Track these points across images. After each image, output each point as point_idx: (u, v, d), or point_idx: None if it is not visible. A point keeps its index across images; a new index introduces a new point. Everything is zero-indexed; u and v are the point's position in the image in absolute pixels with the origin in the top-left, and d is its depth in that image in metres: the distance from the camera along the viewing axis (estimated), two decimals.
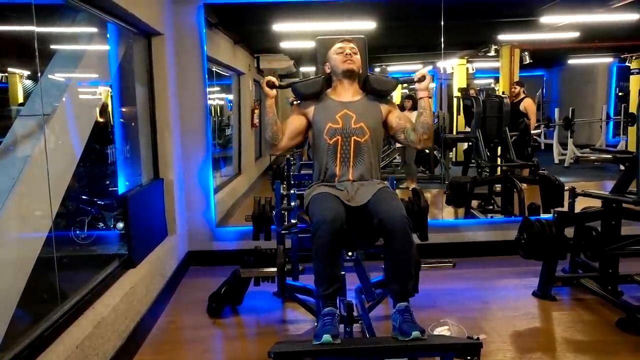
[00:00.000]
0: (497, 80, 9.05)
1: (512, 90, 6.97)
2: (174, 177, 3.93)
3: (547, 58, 9.93)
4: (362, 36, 2.82)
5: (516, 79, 8.04)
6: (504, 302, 3.44)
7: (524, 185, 5.04)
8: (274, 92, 2.48)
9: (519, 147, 5.43)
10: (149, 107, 3.72)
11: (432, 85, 9.99)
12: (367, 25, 5.67)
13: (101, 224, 4.60)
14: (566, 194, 3.63)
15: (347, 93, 2.64)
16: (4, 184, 2.11)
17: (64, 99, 2.66)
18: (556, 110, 9.61)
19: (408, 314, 2.18)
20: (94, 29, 3.13)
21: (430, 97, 2.54)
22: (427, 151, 7.62)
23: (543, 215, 4.49)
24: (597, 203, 3.46)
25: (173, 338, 3.05)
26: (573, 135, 8.95)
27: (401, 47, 8.12)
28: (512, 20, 6.52)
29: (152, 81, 3.73)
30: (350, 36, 2.73)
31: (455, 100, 9.03)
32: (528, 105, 6.40)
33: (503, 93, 7.45)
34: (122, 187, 3.55)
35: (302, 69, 8.68)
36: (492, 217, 5.26)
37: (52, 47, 2.73)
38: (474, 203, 5.40)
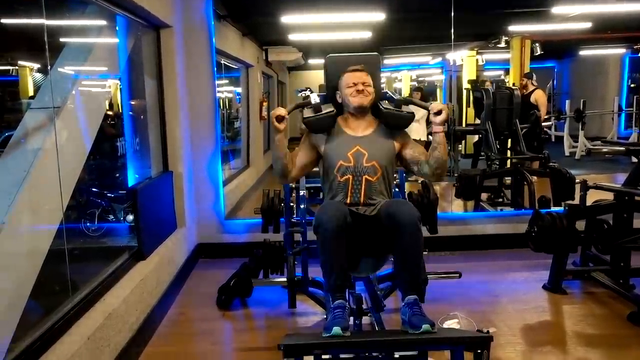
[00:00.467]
0: (507, 72, 8.96)
1: (520, 82, 6.92)
2: (183, 169, 3.94)
3: (558, 49, 9.82)
4: (376, 54, 2.71)
5: (527, 70, 7.95)
6: (514, 296, 3.42)
7: (534, 178, 5.00)
8: (283, 125, 2.37)
9: (529, 140, 5.38)
10: (158, 99, 3.73)
11: (442, 77, 9.94)
12: (377, 16, 5.64)
13: (111, 217, 4.63)
14: (577, 187, 3.60)
15: (359, 126, 2.55)
16: (16, 177, 2.13)
17: (73, 92, 2.67)
18: (567, 102, 9.51)
19: (417, 307, 2.17)
20: (103, 22, 3.13)
21: (445, 132, 2.40)
22: None
23: (554, 208, 4.45)
24: (608, 196, 3.43)
25: (183, 330, 3.07)
26: (584, 127, 8.85)
27: (411, 38, 8.06)
28: (522, 11, 6.45)
29: (161, 74, 3.73)
30: (363, 57, 2.63)
31: (464, 92, 8.96)
32: (539, 97, 6.34)
33: (513, 85, 7.39)
34: (131, 179, 3.57)
35: (311, 61, 8.66)
36: (501, 209, 5.23)
37: (62, 40, 2.73)
38: (484, 196, 5.37)
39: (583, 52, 10.11)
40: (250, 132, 7.53)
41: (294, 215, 3.09)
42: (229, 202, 4.89)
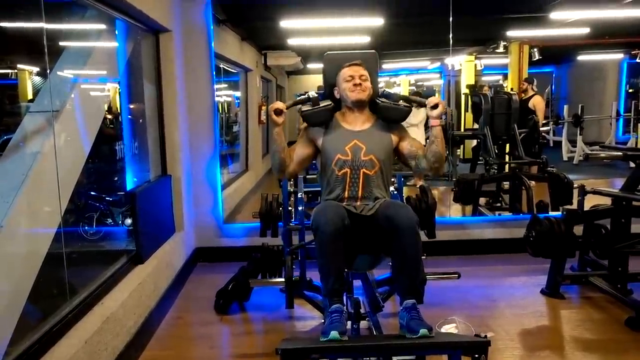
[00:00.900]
0: (505, 76, 8.99)
1: (521, 86, 6.94)
2: (182, 173, 3.95)
3: (557, 54, 9.85)
4: (373, 51, 2.75)
5: (525, 75, 7.98)
6: (512, 300, 3.43)
7: (533, 183, 5.00)
8: (281, 119, 2.42)
9: (527, 144, 5.39)
10: (157, 103, 3.73)
11: (441, 82, 9.97)
12: (375, 21, 5.65)
13: (109, 220, 4.62)
14: (575, 192, 3.60)
15: (357, 120, 2.58)
16: (14, 180, 2.13)
17: (72, 96, 2.67)
18: (565, 107, 9.53)
19: (415, 311, 2.17)
20: (102, 26, 3.14)
21: (442, 125, 2.45)
22: None
23: (552, 213, 4.46)
24: (606, 201, 3.43)
25: (181, 334, 3.07)
26: (582, 132, 8.88)
27: (409, 43, 8.08)
28: (521, 17, 6.47)
29: (159, 78, 3.73)
30: (360, 54, 2.67)
31: (463, 97, 8.99)
32: (537, 102, 6.36)
33: (512, 90, 7.41)
34: (130, 183, 3.57)
35: (310, 65, 8.68)
36: (500, 214, 5.23)
37: (61, 43, 2.74)
38: (482, 200, 5.38)
39: (581, 58, 10.15)
40: (249, 136, 7.53)
41: (292, 220, 3.09)
42: (228, 206, 4.89)
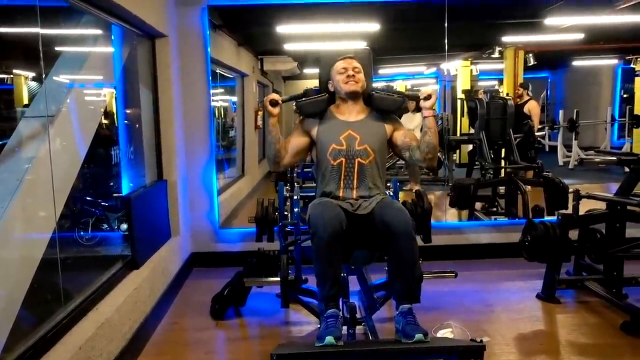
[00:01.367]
0: (501, 82, 9.03)
1: (516, 92, 6.97)
2: (178, 178, 3.94)
3: (552, 60, 9.89)
4: (367, 48, 2.80)
5: (520, 80, 8.02)
6: (508, 305, 3.43)
7: (528, 188, 5.02)
8: (277, 110, 2.47)
9: (523, 149, 5.41)
10: (153, 108, 3.73)
11: (437, 87, 10.01)
12: (371, 27, 5.67)
13: (105, 225, 4.61)
14: (570, 196, 3.62)
15: (351, 112, 2.62)
16: (9, 185, 2.12)
17: (68, 101, 2.67)
18: (560, 112, 9.58)
19: (411, 316, 2.18)
20: (98, 31, 3.14)
21: (435, 116, 2.51)
22: None
23: (547, 218, 4.47)
24: (601, 205, 3.45)
25: (176, 339, 3.05)
26: (577, 137, 8.92)
27: (405, 48, 8.11)
28: (516, 22, 6.51)
29: (156, 83, 3.74)
30: (354, 50, 2.71)
31: (459, 101, 9.02)
32: (532, 107, 6.39)
33: (507, 95, 7.44)
34: (126, 188, 3.57)
35: (306, 70, 8.69)
36: (495, 219, 5.24)
37: (57, 48, 2.74)
38: (478, 205, 5.38)
39: (576, 63, 10.19)
40: (246, 141, 7.53)
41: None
42: (224, 211, 4.89)
